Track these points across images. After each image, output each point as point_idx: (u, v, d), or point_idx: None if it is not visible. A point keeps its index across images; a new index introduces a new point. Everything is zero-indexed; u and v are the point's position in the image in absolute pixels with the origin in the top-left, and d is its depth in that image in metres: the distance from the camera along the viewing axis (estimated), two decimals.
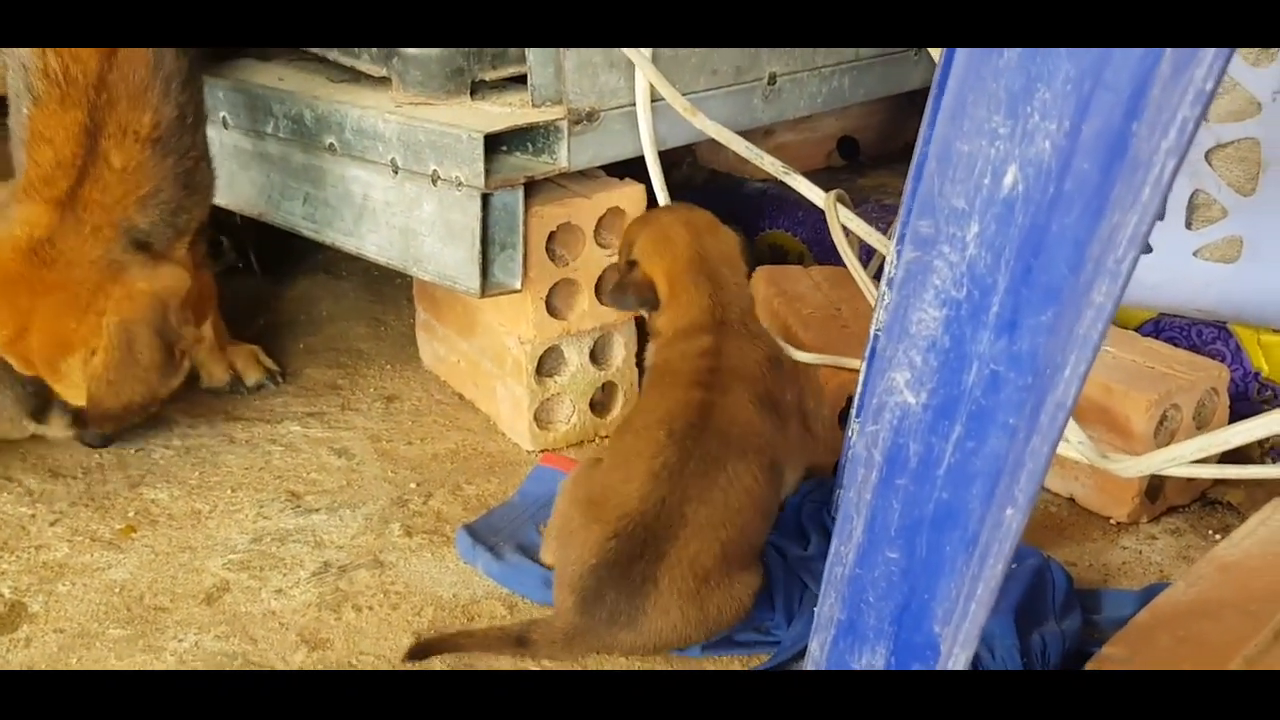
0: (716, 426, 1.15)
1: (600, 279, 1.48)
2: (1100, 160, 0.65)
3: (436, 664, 1.15)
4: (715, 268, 1.27)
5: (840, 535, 0.83)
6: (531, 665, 1.15)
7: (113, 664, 1.17)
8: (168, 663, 1.17)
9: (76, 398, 1.35)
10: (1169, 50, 0.62)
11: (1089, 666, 0.93)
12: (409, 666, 1.14)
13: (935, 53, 1.54)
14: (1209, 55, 0.59)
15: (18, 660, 1.17)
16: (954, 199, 0.71)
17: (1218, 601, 0.95)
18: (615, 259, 1.51)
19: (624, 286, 1.29)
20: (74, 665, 1.17)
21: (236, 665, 1.16)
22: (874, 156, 2.18)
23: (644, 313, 1.32)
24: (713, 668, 1.17)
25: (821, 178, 2.06)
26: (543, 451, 1.55)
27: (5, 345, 1.32)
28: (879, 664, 0.82)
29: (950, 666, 0.78)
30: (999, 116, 0.68)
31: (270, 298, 2.06)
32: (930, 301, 0.73)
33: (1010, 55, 0.67)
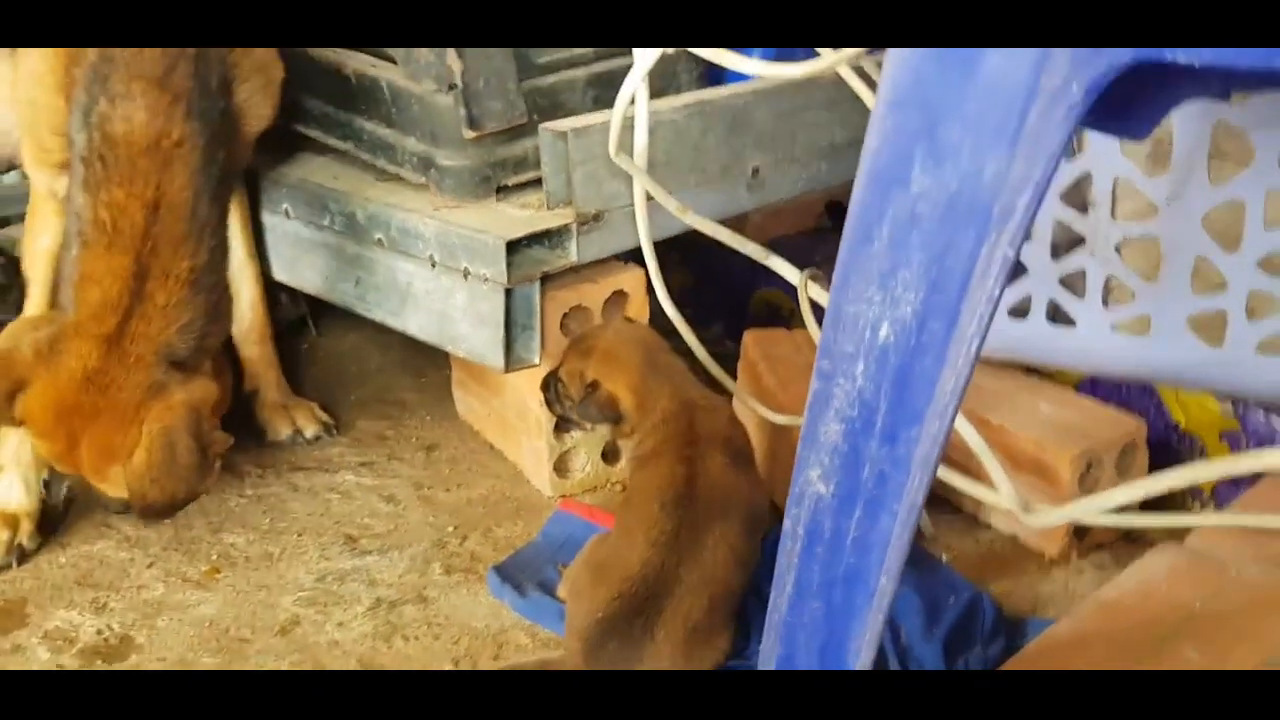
0: (701, 495, 1.38)
1: (543, 384, 1.63)
2: (944, 324, 0.89)
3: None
4: (661, 362, 1.52)
5: (777, 589, 1.07)
6: None
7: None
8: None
9: (120, 493, 1.54)
10: (985, 248, 0.86)
11: None
12: None
13: None
14: (997, 265, 0.83)
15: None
16: (845, 345, 0.95)
17: (1093, 634, 1.18)
18: None
19: (589, 405, 1.51)
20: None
21: None
22: None
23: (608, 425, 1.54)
24: None
25: (810, 240, 2.31)
26: (562, 497, 1.80)
27: (58, 458, 1.53)
28: None
29: None
30: (873, 288, 0.92)
31: (323, 351, 2.33)
32: (832, 418, 0.97)
33: (880, 245, 0.91)
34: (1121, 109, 0.86)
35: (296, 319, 2.37)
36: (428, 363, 2.28)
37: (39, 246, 1.70)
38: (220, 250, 1.56)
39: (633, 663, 1.33)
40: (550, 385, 1.61)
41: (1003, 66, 0.80)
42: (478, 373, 1.96)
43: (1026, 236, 0.83)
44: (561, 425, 1.75)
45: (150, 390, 1.47)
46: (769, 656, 1.09)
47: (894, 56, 0.86)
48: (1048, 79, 0.77)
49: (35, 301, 1.72)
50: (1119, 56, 0.72)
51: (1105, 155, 1.49)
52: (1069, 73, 0.75)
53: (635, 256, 1.78)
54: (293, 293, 2.36)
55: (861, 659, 1.03)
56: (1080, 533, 1.61)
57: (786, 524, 1.04)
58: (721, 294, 2.33)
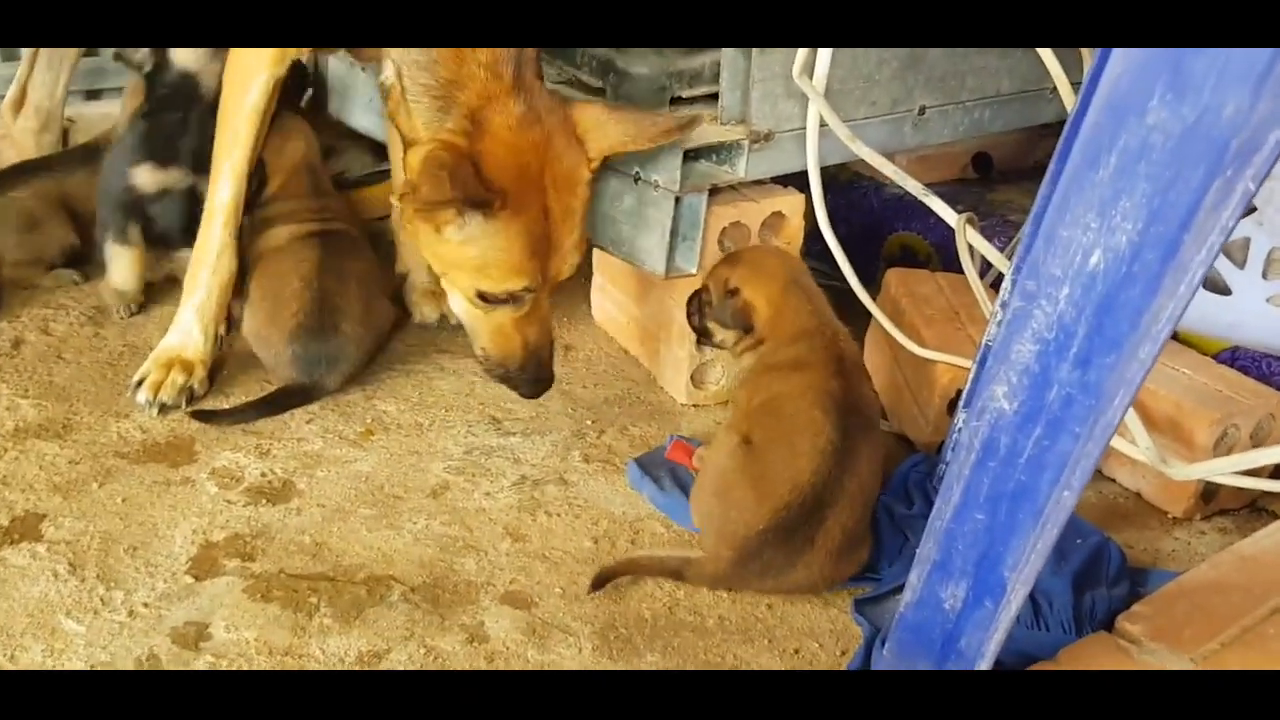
0: (855, 407, 1.43)
1: (690, 297, 1.70)
2: (1159, 255, 0.93)
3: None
4: (804, 284, 1.56)
5: (943, 498, 1.12)
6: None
7: (364, 535, 1.53)
8: (405, 539, 1.52)
9: (583, 227, 1.57)
10: (1216, 183, 0.89)
11: (1120, 619, 1.21)
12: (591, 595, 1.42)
13: (1066, 95, 1.78)
14: (1235, 198, 0.86)
15: (294, 524, 1.54)
16: (1053, 268, 0.98)
17: (1231, 583, 1.21)
18: None
19: (725, 308, 1.58)
20: (334, 534, 1.53)
21: (458, 547, 1.51)
22: (1005, 172, 2.41)
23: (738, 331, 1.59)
24: (827, 593, 1.48)
25: (955, 189, 2.32)
26: (694, 405, 1.86)
27: (530, 225, 1.51)
28: (961, 594, 1.12)
29: (1011, 601, 1.07)
30: (1092, 215, 0.95)
31: None
32: (1028, 338, 1.02)
33: (1105, 173, 0.94)
34: None
35: None
36: None
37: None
38: None
39: (784, 571, 1.38)
40: (695, 298, 1.69)
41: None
42: (621, 280, 2.02)
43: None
44: (700, 337, 1.80)
45: (564, 103, 1.56)
46: (925, 560, 1.15)
47: None
48: None
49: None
50: None
51: None
52: None
53: (791, 182, 1.82)
54: None
55: (1018, 575, 1.08)
56: (1207, 496, 1.64)
57: (963, 437, 1.08)
58: (855, 232, 2.36)
